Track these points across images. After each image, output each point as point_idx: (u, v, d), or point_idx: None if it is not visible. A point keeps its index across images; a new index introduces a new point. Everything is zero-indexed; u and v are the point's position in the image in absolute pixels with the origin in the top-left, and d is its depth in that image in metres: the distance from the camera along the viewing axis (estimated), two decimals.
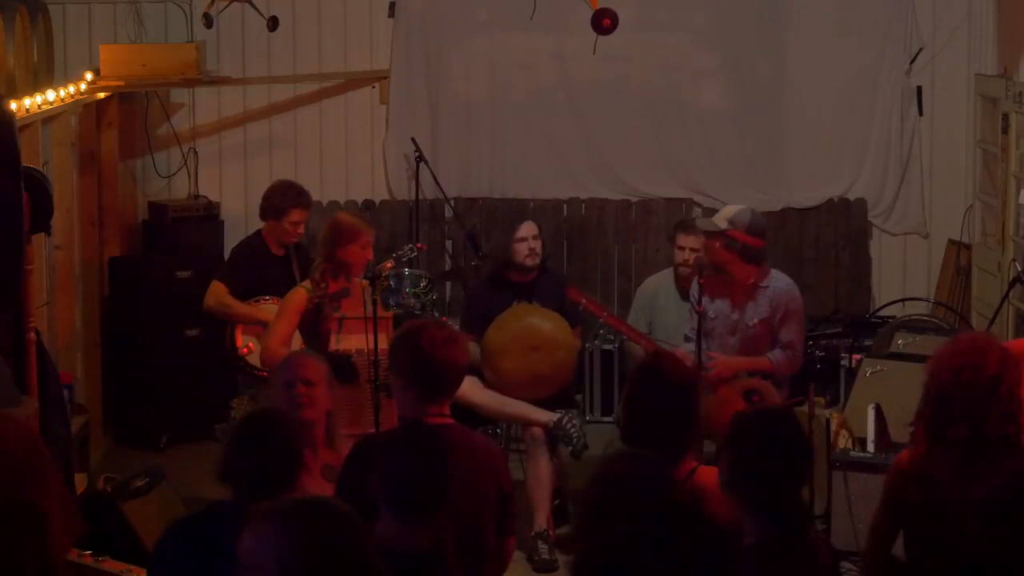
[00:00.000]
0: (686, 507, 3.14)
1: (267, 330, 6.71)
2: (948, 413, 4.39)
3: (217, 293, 7.58)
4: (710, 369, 6.91)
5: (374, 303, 6.48)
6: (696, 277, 7.05)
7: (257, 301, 7.57)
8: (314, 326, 6.55)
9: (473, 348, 7.73)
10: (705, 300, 7.13)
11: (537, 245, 7.65)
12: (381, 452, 4.05)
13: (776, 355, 7.16)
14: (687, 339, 7.26)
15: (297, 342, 6.70)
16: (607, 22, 7.52)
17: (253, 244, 7.81)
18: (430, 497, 3.87)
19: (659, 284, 8.31)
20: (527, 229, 7.66)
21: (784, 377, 7.26)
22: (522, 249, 7.61)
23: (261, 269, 7.65)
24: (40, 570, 4.08)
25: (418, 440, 4.04)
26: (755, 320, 7.13)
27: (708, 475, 4.23)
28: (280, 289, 7.31)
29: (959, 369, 4.40)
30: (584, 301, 7.10)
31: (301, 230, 7.71)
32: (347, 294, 6.67)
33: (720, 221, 7.13)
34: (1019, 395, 4.43)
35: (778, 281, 7.23)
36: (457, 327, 8.36)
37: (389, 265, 7.42)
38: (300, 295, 6.61)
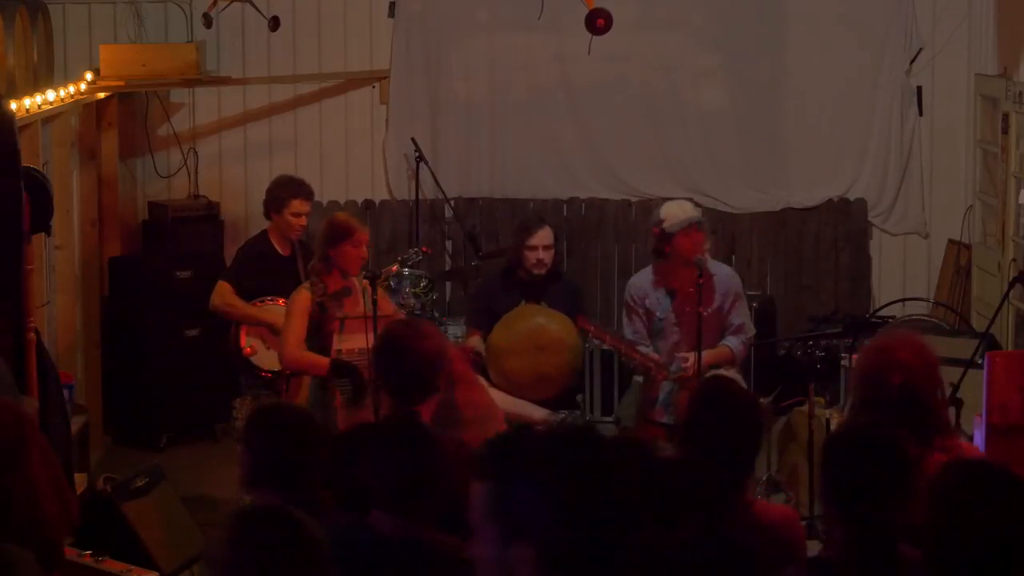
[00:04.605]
0: None
1: (281, 335, 6.72)
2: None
3: (223, 293, 7.58)
4: (684, 368, 6.94)
5: (374, 303, 6.48)
6: (697, 277, 7.02)
7: (261, 302, 7.56)
8: (317, 326, 6.56)
9: (478, 343, 7.74)
10: (650, 300, 7.17)
11: (547, 255, 7.62)
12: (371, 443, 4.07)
13: (733, 342, 7.24)
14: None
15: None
16: (601, 22, 7.51)
17: (259, 244, 7.81)
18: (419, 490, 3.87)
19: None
20: (540, 238, 7.63)
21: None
22: (531, 257, 7.61)
23: (267, 270, 7.65)
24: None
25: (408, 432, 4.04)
26: (707, 311, 7.11)
27: (766, 510, 4.29)
28: (285, 290, 7.30)
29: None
30: (592, 329, 7.07)
31: (304, 222, 7.69)
32: (348, 293, 6.68)
33: (691, 212, 7.21)
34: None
35: (720, 268, 7.38)
36: (458, 326, 8.41)
37: (394, 269, 7.42)
38: (304, 296, 6.64)
